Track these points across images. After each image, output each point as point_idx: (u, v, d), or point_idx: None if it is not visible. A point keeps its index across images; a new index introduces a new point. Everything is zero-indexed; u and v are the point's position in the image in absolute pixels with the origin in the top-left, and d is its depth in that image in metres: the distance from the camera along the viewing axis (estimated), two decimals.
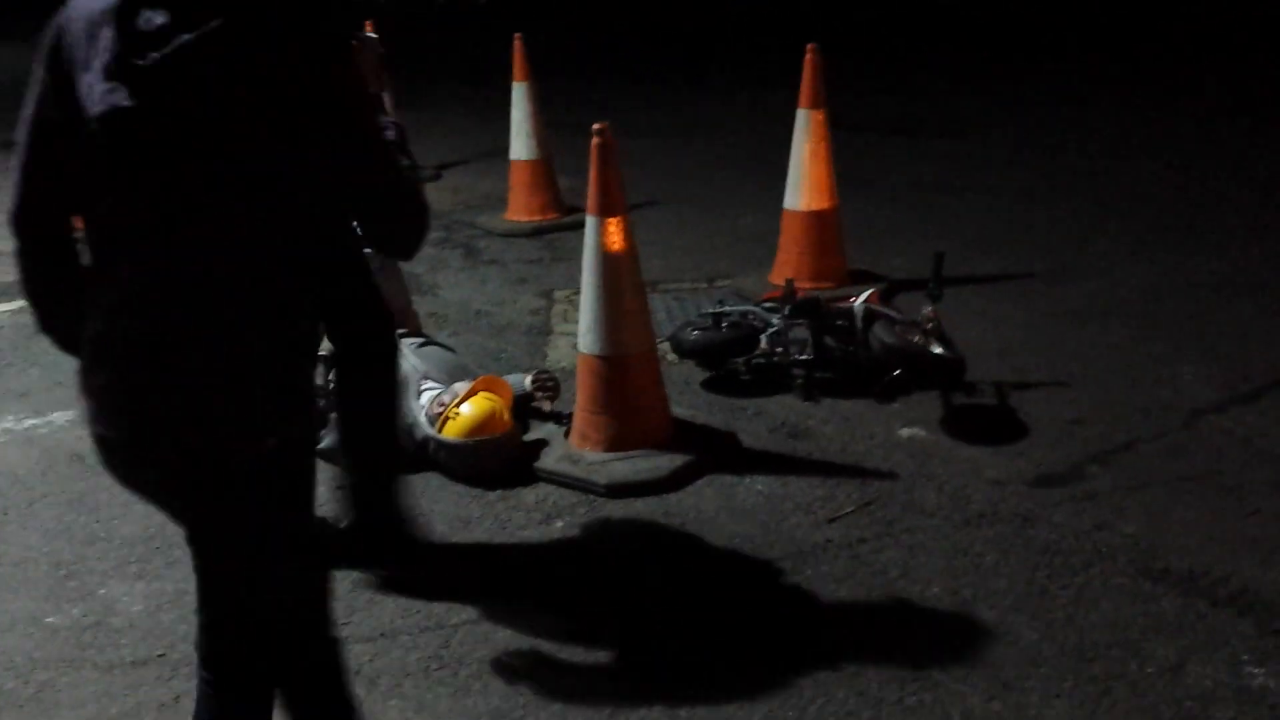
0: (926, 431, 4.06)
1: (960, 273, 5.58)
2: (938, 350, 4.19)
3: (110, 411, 1.95)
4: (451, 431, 3.84)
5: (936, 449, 3.93)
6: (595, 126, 3.73)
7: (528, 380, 4.23)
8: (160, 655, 3.03)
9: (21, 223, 2.00)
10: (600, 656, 2.98)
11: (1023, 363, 4.60)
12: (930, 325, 4.25)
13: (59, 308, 2.07)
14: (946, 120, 9.31)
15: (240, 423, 1.92)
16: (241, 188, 1.84)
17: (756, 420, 4.21)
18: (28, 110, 1.91)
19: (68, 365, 4.96)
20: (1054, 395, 4.30)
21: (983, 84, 10.85)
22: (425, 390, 3.99)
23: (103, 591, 3.33)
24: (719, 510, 3.62)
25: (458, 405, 3.88)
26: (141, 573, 3.42)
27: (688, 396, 4.40)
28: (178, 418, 1.90)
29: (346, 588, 3.29)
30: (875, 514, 3.55)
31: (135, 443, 1.95)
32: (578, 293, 5.53)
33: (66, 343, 2.09)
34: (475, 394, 3.92)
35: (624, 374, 3.85)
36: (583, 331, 3.92)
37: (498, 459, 3.85)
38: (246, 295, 1.89)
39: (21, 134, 1.93)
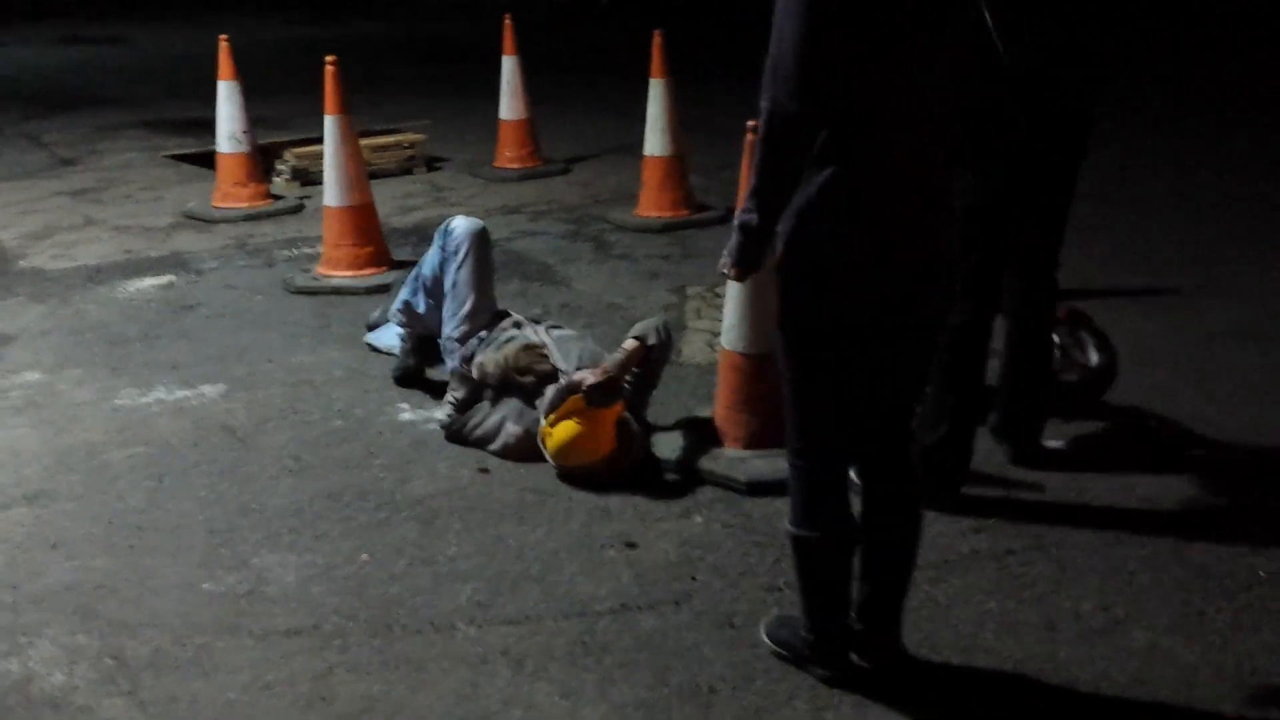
0: (1074, 444, 3.97)
1: (1100, 286, 5.46)
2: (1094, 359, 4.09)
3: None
4: (547, 445, 3.85)
5: (1086, 463, 3.85)
6: (750, 123, 3.71)
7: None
8: (314, 626, 3.10)
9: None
10: (742, 654, 2.97)
11: (1168, 380, 4.48)
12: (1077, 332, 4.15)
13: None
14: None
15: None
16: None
17: None
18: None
19: (215, 339, 5.13)
20: (1203, 413, 4.18)
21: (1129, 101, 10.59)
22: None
23: (255, 561, 3.42)
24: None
25: (551, 421, 3.84)
26: (293, 545, 3.50)
27: None
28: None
29: (491, 571, 3.34)
30: (1023, 526, 3.49)
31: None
32: (710, 289, 5.58)
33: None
34: (571, 412, 3.82)
35: (767, 371, 3.84)
36: (726, 328, 3.92)
37: (595, 478, 3.84)
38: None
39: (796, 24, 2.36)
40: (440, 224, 4.51)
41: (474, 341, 4.26)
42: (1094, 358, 4.17)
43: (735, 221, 2.63)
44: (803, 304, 2.61)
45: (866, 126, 2.49)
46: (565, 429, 3.79)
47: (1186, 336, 4.92)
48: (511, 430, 3.96)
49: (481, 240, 4.40)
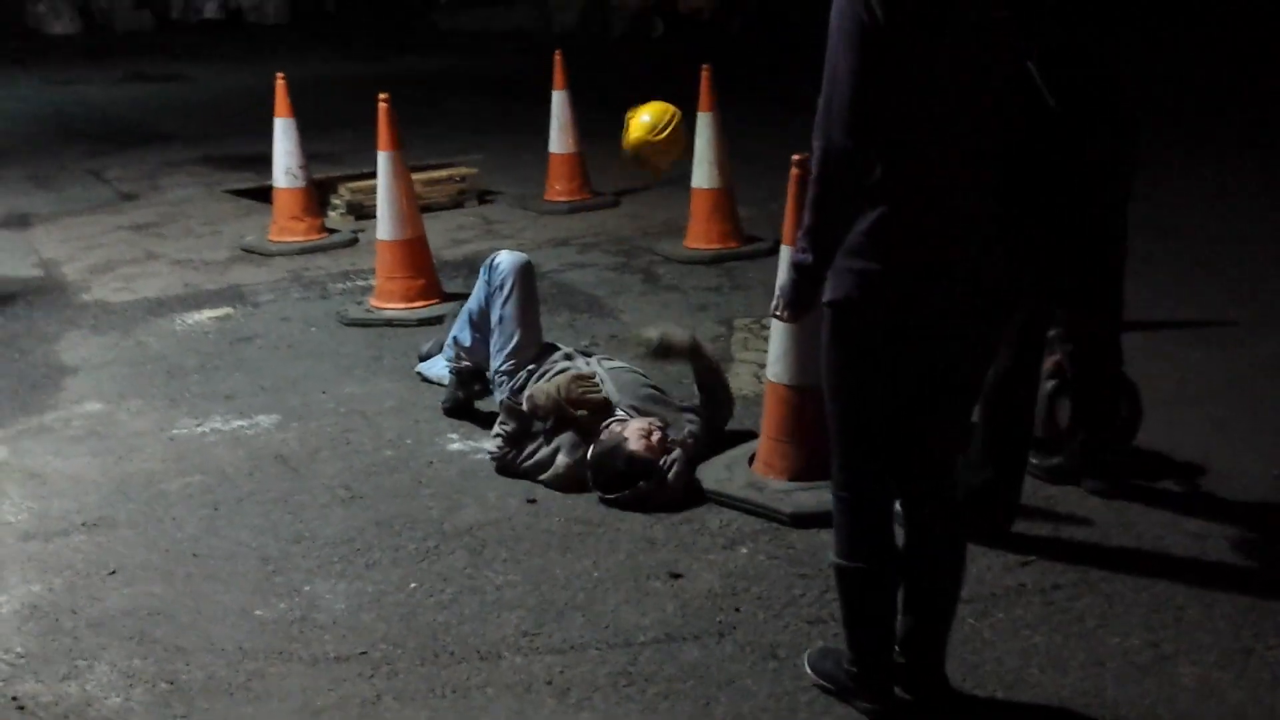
0: (1121, 478, 3.95)
1: (1155, 318, 5.42)
2: None
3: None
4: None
5: (1133, 496, 3.82)
6: (795, 157, 3.75)
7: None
8: (362, 653, 3.15)
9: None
10: (785, 686, 2.98)
11: (1221, 413, 4.44)
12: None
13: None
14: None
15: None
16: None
17: None
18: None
19: (270, 370, 5.23)
20: (1256, 447, 4.14)
21: (1166, 129, 10.51)
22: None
23: (307, 588, 3.49)
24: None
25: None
26: (343, 573, 3.56)
27: None
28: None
29: (537, 600, 3.37)
30: (1070, 560, 3.47)
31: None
32: (758, 321, 5.60)
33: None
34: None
35: (813, 404, 3.85)
36: (773, 360, 3.94)
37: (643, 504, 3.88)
38: None
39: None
40: (487, 257, 4.59)
41: (523, 374, 4.32)
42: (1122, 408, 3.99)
43: (789, 259, 2.66)
44: (848, 338, 2.64)
45: (918, 163, 2.52)
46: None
47: (1241, 369, 4.86)
48: (563, 461, 4.00)
49: (526, 274, 4.47)
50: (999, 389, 3.51)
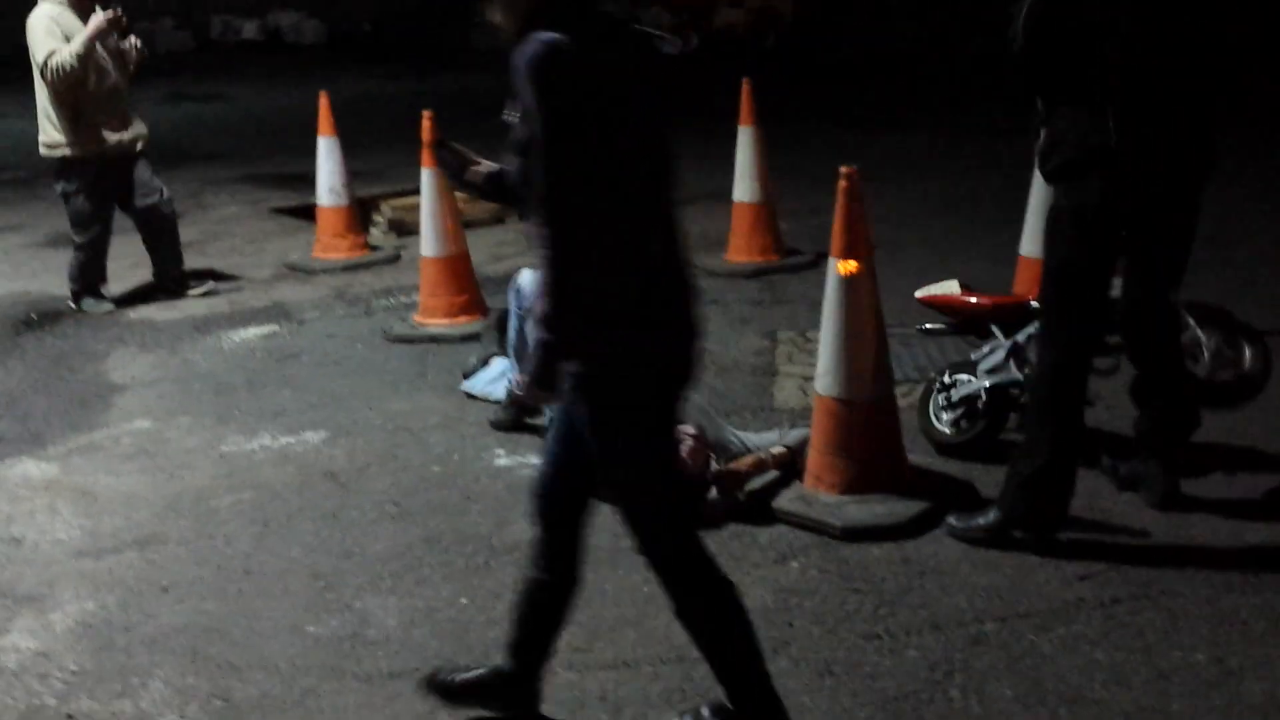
0: (1180, 485, 3.88)
1: None
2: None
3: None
4: None
5: (1193, 505, 3.75)
6: (843, 169, 3.73)
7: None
8: (415, 669, 3.13)
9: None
10: (842, 702, 2.94)
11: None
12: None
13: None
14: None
15: None
16: None
17: (996, 470, 4.09)
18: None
19: (317, 387, 5.24)
20: None
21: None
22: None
23: (358, 605, 3.48)
24: (961, 560, 3.54)
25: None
26: (394, 589, 3.56)
27: (922, 442, 4.32)
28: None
29: (588, 615, 3.35)
30: (1130, 573, 3.41)
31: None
32: (801, 334, 5.57)
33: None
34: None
35: (862, 417, 3.83)
36: (821, 373, 3.91)
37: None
38: None
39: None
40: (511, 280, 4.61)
41: None
42: (1248, 356, 3.96)
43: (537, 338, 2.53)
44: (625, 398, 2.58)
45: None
46: None
47: None
48: None
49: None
50: (1051, 380, 3.48)
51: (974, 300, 4.42)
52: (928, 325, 4.62)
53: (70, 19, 6.13)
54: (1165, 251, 3.58)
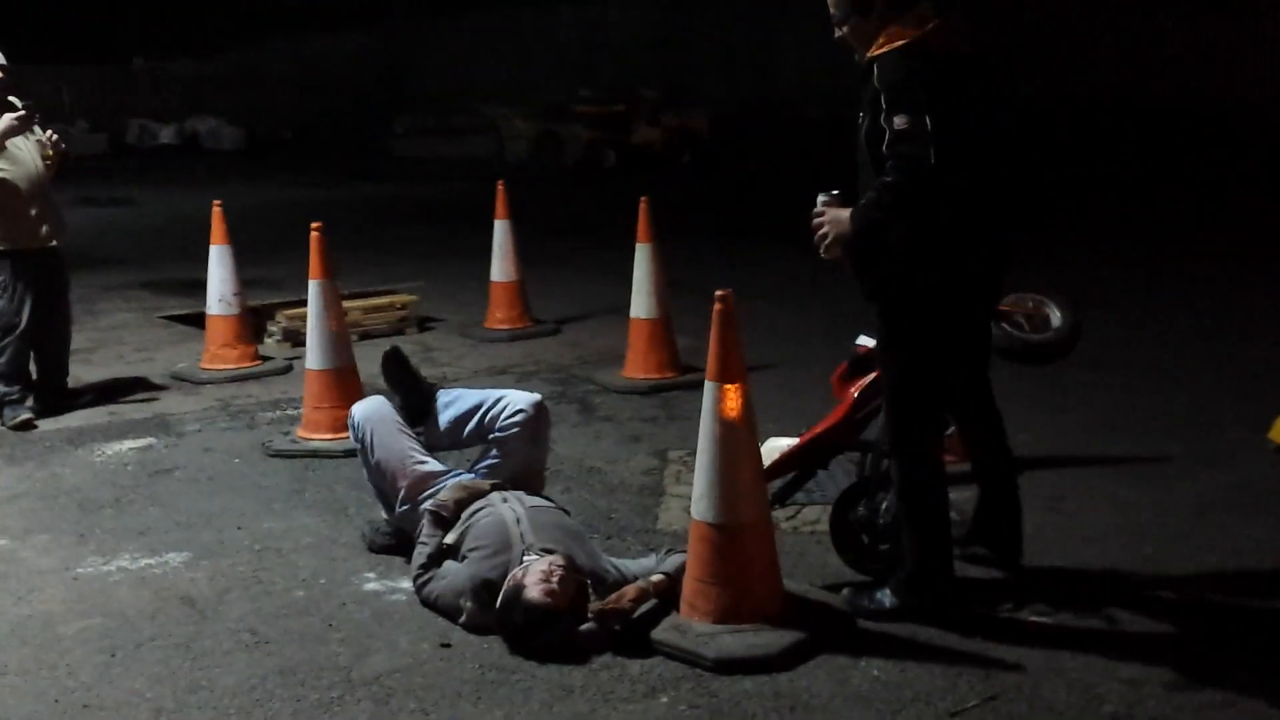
0: (1055, 620, 3.84)
1: (1089, 453, 5.39)
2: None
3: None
4: None
5: (1066, 640, 3.71)
6: (718, 293, 3.71)
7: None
8: None
9: None
10: None
11: (1154, 552, 4.36)
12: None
13: None
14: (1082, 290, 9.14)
15: None
16: None
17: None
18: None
19: (187, 505, 5.06)
20: (1192, 589, 4.06)
21: (1116, 256, 10.69)
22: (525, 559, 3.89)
23: None
24: (833, 695, 3.45)
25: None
26: None
27: (800, 568, 4.25)
28: None
29: None
30: (1000, 710, 3.34)
31: None
32: (692, 453, 5.48)
33: None
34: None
35: (737, 543, 3.75)
36: (696, 497, 3.83)
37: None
38: None
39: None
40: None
41: (427, 495, 4.25)
42: (1058, 317, 4.24)
43: None
44: None
45: None
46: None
47: (1177, 507, 4.80)
48: (470, 608, 3.85)
49: (378, 419, 4.41)
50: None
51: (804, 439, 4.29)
52: (777, 486, 4.31)
53: None
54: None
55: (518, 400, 4.44)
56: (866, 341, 4.24)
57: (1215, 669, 3.52)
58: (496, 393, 4.51)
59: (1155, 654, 3.61)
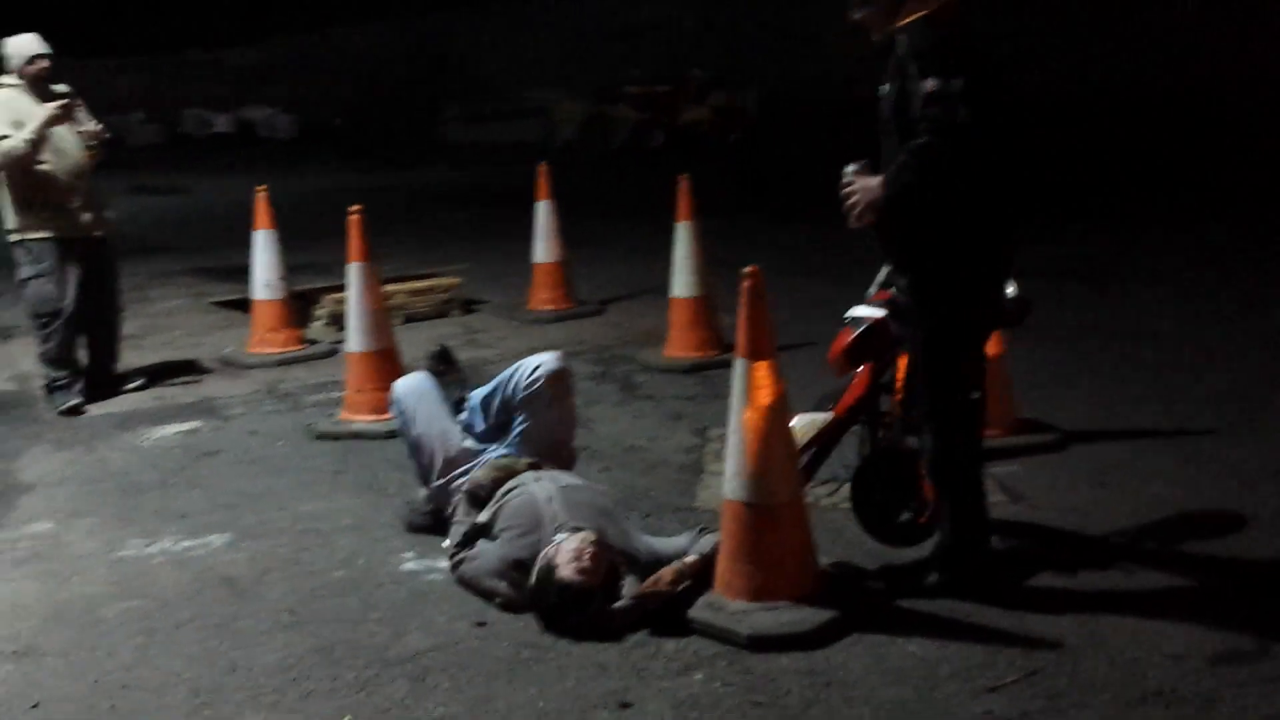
0: (1097, 593, 3.77)
1: (1133, 426, 5.28)
2: None
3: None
4: None
5: (1107, 614, 3.63)
6: (746, 269, 3.66)
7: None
8: None
9: None
10: None
11: (1199, 525, 4.26)
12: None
13: None
14: (1124, 268, 8.98)
15: None
16: None
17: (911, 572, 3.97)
18: None
19: (229, 487, 5.10)
20: (1238, 563, 3.96)
21: (1164, 233, 10.47)
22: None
23: None
24: (868, 671, 3.40)
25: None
26: (276, 705, 3.38)
27: (839, 546, 4.20)
28: None
29: None
30: (1040, 685, 3.27)
31: None
32: None
33: None
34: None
35: (769, 521, 3.70)
36: (729, 476, 3.79)
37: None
38: None
39: None
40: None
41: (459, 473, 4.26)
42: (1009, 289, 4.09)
43: None
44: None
45: None
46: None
47: (1221, 480, 4.68)
48: (505, 590, 3.85)
49: (421, 394, 4.46)
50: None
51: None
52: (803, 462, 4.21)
53: (26, 103, 6.07)
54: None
55: (533, 360, 4.44)
56: (867, 313, 4.19)
57: (1260, 644, 3.43)
58: (514, 364, 4.51)
59: (1199, 628, 3.52)
